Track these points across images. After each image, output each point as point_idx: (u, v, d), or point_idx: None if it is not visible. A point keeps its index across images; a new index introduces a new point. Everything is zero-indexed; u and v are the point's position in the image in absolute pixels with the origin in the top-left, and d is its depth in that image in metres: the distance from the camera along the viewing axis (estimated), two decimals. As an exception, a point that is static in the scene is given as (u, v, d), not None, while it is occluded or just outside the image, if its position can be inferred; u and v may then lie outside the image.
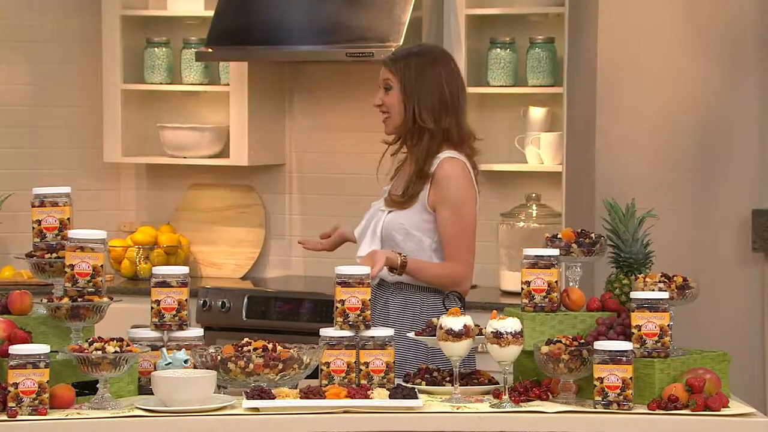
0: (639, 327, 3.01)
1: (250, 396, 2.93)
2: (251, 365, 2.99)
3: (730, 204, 4.18)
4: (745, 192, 4.16)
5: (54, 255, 3.11)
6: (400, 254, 3.43)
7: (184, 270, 3.16)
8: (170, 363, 3.04)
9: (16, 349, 2.86)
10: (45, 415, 2.85)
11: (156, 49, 5.09)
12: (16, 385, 2.83)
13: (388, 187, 3.62)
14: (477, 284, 4.74)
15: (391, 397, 2.95)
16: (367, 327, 3.10)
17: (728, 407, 2.96)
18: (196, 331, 3.17)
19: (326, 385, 3.05)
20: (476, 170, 3.57)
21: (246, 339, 3.09)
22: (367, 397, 2.94)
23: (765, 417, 2.95)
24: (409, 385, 3.10)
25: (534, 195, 4.72)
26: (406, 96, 3.49)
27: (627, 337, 3.03)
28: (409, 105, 3.49)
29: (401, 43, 4.49)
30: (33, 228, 3.14)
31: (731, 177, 4.18)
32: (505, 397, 2.97)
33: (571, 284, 3.20)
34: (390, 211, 3.52)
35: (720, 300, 4.04)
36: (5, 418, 2.83)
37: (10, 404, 2.84)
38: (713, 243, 4.18)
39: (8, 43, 5.08)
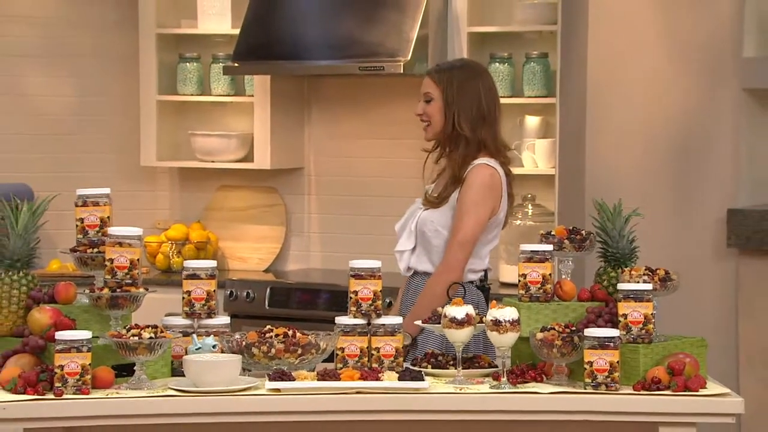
0: (625, 315, 3.00)
1: (272, 378, 2.92)
2: (273, 350, 2.99)
3: (707, 204, 4.17)
4: (721, 193, 4.15)
5: (95, 250, 3.11)
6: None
7: (212, 263, 3.16)
8: (200, 348, 3.04)
9: (61, 334, 2.87)
10: (88, 394, 2.85)
11: (188, 63, 5.09)
12: (61, 367, 2.84)
13: (430, 186, 3.61)
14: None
15: (400, 379, 2.94)
16: (378, 315, 3.10)
17: (705, 388, 2.96)
18: (223, 319, 3.16)
19: (341, 368, 3.04)
20: (510, 176, 3.54)
21: (268, 326, 3.09)
22: (378, 379, 2.94)
23: (738, 397, 2.95)
24: (416, 368, 3.09)
25: (530, 195, 4.71)
26: (447, 106, 3.48)
27: (614, 324, 3.02)
28: (450, 114, 3.48)
29: (409, 58, 4.48)
30: (77, 225, 3.14)
31: (708, 179, 4.17)
32: (504, 379, 2.97)
33: (563, 277, 3.19)
34: (425, 209, 3.52)
35: (698, 291, 4.03)
36: (52, 396, 2.84)
37: (57, 384, 2.84)
38: (692, 239, 4.17)
39: (54, 59, 5.09)
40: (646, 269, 3.12)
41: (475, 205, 3.45)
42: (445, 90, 3.48)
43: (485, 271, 3.57)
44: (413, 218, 3.55)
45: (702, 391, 2.93)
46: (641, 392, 2.93)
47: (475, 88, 3.49)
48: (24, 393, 2.84)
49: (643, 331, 2.99)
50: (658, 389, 2.93)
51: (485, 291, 3.56)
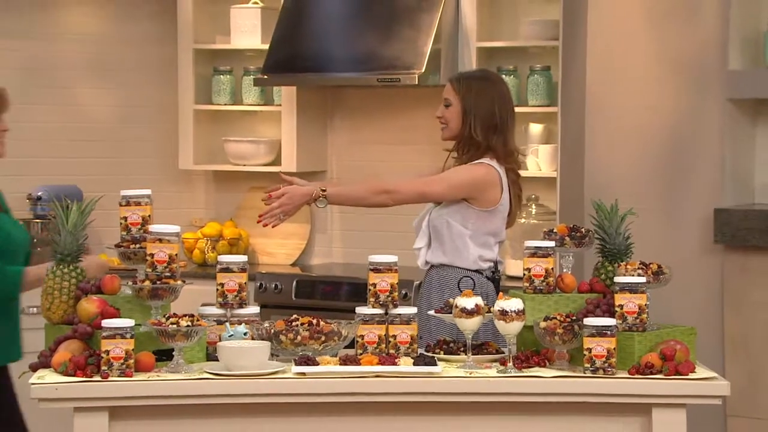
0: (621, 306, 2.97)
1: (298, 363, 2.91)
2: (299, 337, 2.98)
3: (695, 204, 4.14)
4: (708, 194, 4.12)
5: (138, 246, 3.10)
6: (322, 190, 3.40)
7: (243, 258, 3.15)
8: (232, 335, 3.03)
9: (107, 322, 2.86)
10: (131, 376, 2.84)
11: (221, 76, 5.08)
12: (107, 352, 2.83)
13: None
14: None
15: (415, 364, 2.92)
16: (395, 306, 3.08)
17: (695, 372, 2.94)
18: (253, 309, 3.15)
19: (361, 353, 3.03)
20: (516, 178, 3.50)
21: (295, 315, 3.08)
22: (395, 363, 2.92)
23: (724, 380, 2.93)
24: (429, 354, 3.08)
25: (533, 196, 4.68)
26: (464, 112, 3.46)
27: (611, 314, 3.00)
28: (467, 120, 3.46)
29: (423, 71, 4.47)
30: (120, 223, 3.13)
31: (696, 181, 4.14)
32: (510, 364, 2.95)
33: (564, 270, 3.17)
34: (436, 207, 3.51)
35: (688, 284, 4.00)
36: (99, 378, 2.83)
37: (103, 368, 2.83)
38: (682, 236, 4.14)
39: (100, 72, 5.09)
40: (640, 264, 3.09)
41: (450, 181, 3.42)
42: (463, 97, 3.47)
43: (496, 263, 3.54)
44: (426, 216, 3.53)
45: (691, 375, 2.91)
46: (636, 376, 2.90)
47: (490, 97, 3.47)
48: (74, 375, 2.84)
49: (638, 321, 2.97)
50: (651, 373, 2.90)
51: (495, 282, 3.53)
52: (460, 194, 3.43)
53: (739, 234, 4.00)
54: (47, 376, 2.86)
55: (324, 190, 3.40)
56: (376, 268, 3.09)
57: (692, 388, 2.89)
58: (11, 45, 4.94)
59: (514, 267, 4.58)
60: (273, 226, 3.43)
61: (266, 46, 4.81)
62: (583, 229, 3.20)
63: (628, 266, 3.08)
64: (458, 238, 3.45)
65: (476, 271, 3.46)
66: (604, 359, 2.89)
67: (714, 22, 4.09)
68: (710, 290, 4.11)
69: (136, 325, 2.92)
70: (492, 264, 3.52)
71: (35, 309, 4.49)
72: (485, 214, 3.45)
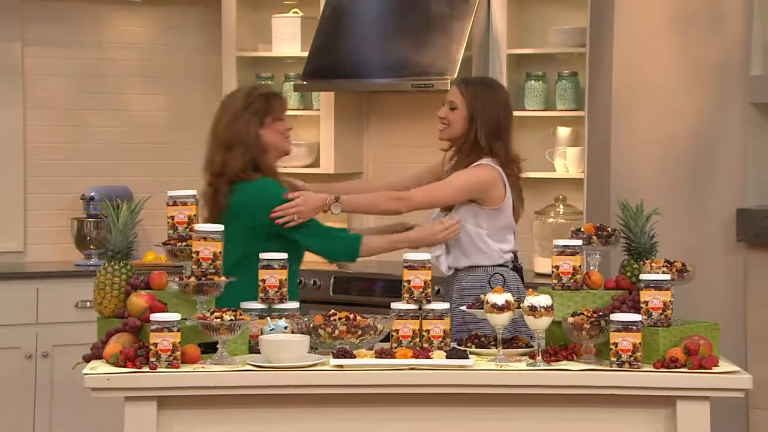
0: (646, 302, 2.95)
1: (336, 355, 2.91)
2: (337, 331, 2.98)
3: (718, 204, 4.10)
4: (731, 194, 4.09)
5: (184, 243, 3.11)
6: (335, 197, 3.39)
7: (284, 255, 3.15)
8: (273, 329, 3.03)
9: (155, 316, 2.87)
10: (178, 368, 2.85)
11: (263, 82, 5.10)
12: (155, 344, 2.84)
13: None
14: (515, 267, 4.70)
15: (447, 357, 2.91)
16: (428, 302, 3.07)
17: (718, 366, 2.90)
18: (293, 304, 3.15)
19: (396, 347, 3.02)
20: (516, 182, 3.49)
21: (333, 310, 3.07)
22: (428, 357, 2.91)
23: (747, 374, 2.89)
24: (461, 347, 3.06)
25: (561, 197, 4.65)
26: (471, 117, 3.45)
27: (637, 310, 2.97)
28: (473, 125, 3.45)
29: (455, 77, 4.45)
30: (168, 222, 3.15)
31: (719, 182, 4.11)
32: (539, 357, 2.93)
33: (591, 268, 3.15)
34: (444, 213, 3.50)
35: (711, 281, 3.97)
36: (148, 369, 2.85)
37: (152, 359, 2.85)
38: (705, 235, 4.10)
39: (148, 79, 5.12)
40: (665, 261, 3.06)
41: (457, 185, 3.40)
42: (470, 102, 3.45)
43: (514, 252, 3.52)
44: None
45: (715, 369, 2.88)
46: (661, 370, 2.87)
47: (495, 105, 3.46)
48: (124, 366, 2.86)
49: (663, 316, 2.94)
50: (676, 367, 2.87)
51: (518, 270, 3.52)
52: (467, 196, 3.43)
53: (761, 233, 3.97)
54: (99, 367, 2.88)
55: (338, 197, 3.39)
56: (411, 266, 3.09)
57: (715, 382, 2.85)
58: (67, 54, 4.99)
59: (542, 264, 4.56)
60: (285, 227, 3.40)
61: (305, 54, 4.82)
62: (609, 229, 3.17)
63: (653, 264, 3.05)
64: (477, 239, 3.44)
65: (501, 265, 3.45)
66: (630, 353, 2.86)
67: (737, 29, 4.05)
68: (733, 287, 4.06)
69: (182, 319, 2.93)
70: (512, 254, 3.50)
71: (88, 303, 4.54)
72: (494, 212, 3.44)
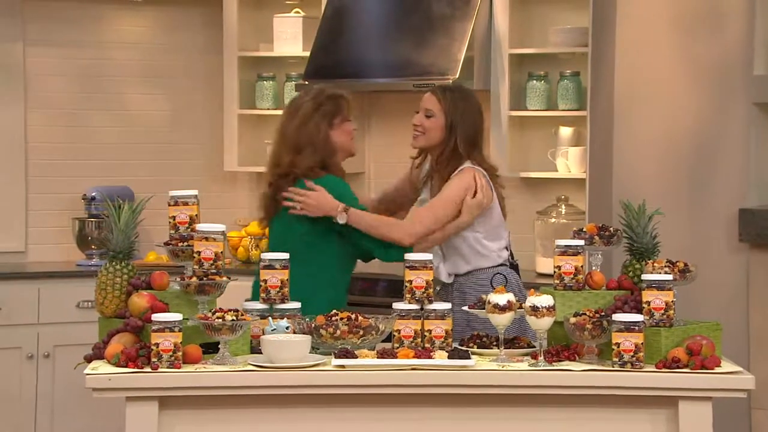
0: (648, 302, 2.95)
1: (338, 356, 2.91)
2: (338, 331, 2.98)
3: (720, 204, 4.10)
4: (733, 194, 4.09)
5: (185, 243, 3.12)
6: (345, 207, 3.38)
7: (285, 256, 3.15)
8: (275, 329, 3.03)
9: (157, 316, 2.88)
10: (179, 368, 2.86)
11: (265, 82, 5.10)
12: (157, 344, 2.85)
13: (424, 196, 3.58)
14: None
15: (449, 357, 2.92)
16: (430, 302, 3.07)
17: (720, 366, 2.90)
18: (295, 304, 3.15)
19: (398, 347, 3.02)
20: (498, 185, 3.50)
21: (334, 310, 3.07)
22: (430, 357, 2.91)
23: (749, 374, 2.90)
24: (463, 348, 3.07)
25: (563, 197, 4.66)
26: (449, 126, 3.45)
27: (639, 310, 2.97)
28: (452, 134, 3.44)
29: (457, 77, 4.45)
30: (169, 222, 3.15)
31: (722, 182, 4.10)
32: (541, 358, 2.93)
33: (593, 268, 3.15)
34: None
35: (713, 281, 3.97)
36: (149, 370, 2.85)
37: (153, 359, 2.85)
38: (708, 235, 4.10)
39: (150, 79, 5.13)
40: (667, 262, 3.06)
41: (452, 199, 3.41)
42: (448, 111, 3.44)
43: (509, 249, 3.54)
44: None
45: (717, 369, 2.88)
46: (663, 370, 2.88)
47: (472, 113, 3.46)
48: (126, 366, 2.86)
49: (665, 316, 2.94)
50: (678, 367, 2.87)
51: (516, 268, 3.54)
52: (455, 213, 3.43)
53: (763, 233, 3.97)
54: (101, 367, 2.88)
55: (347, 208, 3.39)
56: (412, 266, 3.09)
57: (718, 382, 2.85)
58: (68, 53, 4.99)
59: (544, 264, 4.56)
60: (289, 212, 3.41)
61: (307, 54, 4.82)
62: (611, 229, 3.17)
63: (656, 264, 3.06)
64: (476, 243, 3.45)
65: (500, 265, 3.46)
66: (632, 353, 2.86)
67: (739, 28, 4.06)
68: (735, 287, 4.06)
69: (184, 319, 2.93)
70: (508, 251, 3.51)
71: (90, 303, 4.54)
72: (487, 213, 3.45)
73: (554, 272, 3.08)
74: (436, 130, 3.46)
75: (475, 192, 3.42)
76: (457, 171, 3.45)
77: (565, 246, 3.07)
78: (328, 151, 3.45)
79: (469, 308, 3.16)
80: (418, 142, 3.51)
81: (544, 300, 2.92)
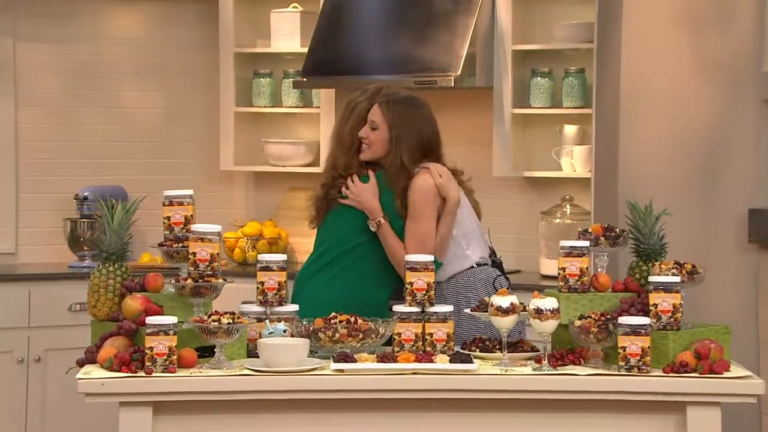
0: (656, 305, 2.95)
1: (337, 360, 2.91)
2: (337, 335, 2.98)
3: (729, 204, 4.10)
4: (742, 194, 4.09)
5: (180, 244, 3.12)
6: (381, 215, 3.39)
7: (283, 257, 3.16)
8: (272, 332, 3.03)
9: (151, 319, 2.88)
10: (174, 372, 2.86)
11: (262, 79, 5.10)
12: (151, 348, 2.85)
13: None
14: (521, 269, 4.71)
15: (451, 361, 2.92)
16: (431, 304, 3.07)
17: (729, 371, 2.90)
18: (292, 307, 3.16)
19: (398, 351, 3.02)
20: (462, 181, 3.49)
21: (333, 313, 3.07)
22: (431, 361, 2.91)
23: (759, 379, 2.90)
24: (465, 351, 3.07)
25: (568, 197, 4.66)
26: (392, 140, 3.43)
27: (646, 313, 2.97)
28: (395, 147, 3.43)
29: (459, 73, 4.45)
30: (164, 223, 3.15)
31: (731, 182, 4.11)
32: (545, 362, 2.93)
33: (599, 270, 3.15)
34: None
35: (722, 283, 3.97)
36: (143, 374, 2.85)
37: (147, 363, 2.85)
38: (716, 236, 4.10)
39: (144, 76, 5.13)
40: (674, 263, 3.06)
41: (423, 212, 3.39)
42: (390, 124, 3.43)
43: (490, 247, 3.54)
44: None
45: (726, 374, 2.88)
46: (670, 375, 2.88)
47: (417, 125, 3.44)
48: (119, 371, 2.86)
49: (672, 319, 2.94)
50: (686, 372, 2.87)
51: (497, 265, 3.53)
52: (436, 210, 3.41)
53: (774, 234, 3.97)
54: (93, 372, 2.88)
55: (385, 219, 3.39)
56: (413, 267, 3.09)
57: (727, 387, 2.85)
58: (60, 49, 4.99)
59: (549, 266, 4.56)
60: (339, 200, 3.43)
61: (305, 50, 4.82)
62: (617, 229, 3.17)
63: (663, 266, 3.06)
64: (453, 246, 3.44)
65: (482, 265, 3.45)
66: (638, 358, 2.87)
67: (749, 25, 4.06)
68: (745, 289, 4.06)
69: (178, 322, 2.93)
70: (489, 249, 3.52)
71: (81, 306, 4.54)
72: (456, 212, 3.42)
73: (559, 274, 3.08)
74: (380, 143, 3.45)
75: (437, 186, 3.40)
76: (416, 171, 3.42)
77: (570, 247, 3.08)
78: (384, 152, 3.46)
79: (471, 311, 3.15)
80: (366, 154, 3.50)
81: (548, 302, 2.92)
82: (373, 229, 3.42)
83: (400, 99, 3.52)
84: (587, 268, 3.07)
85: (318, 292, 3.34)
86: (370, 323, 3.01)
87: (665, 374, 2.88)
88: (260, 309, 3.13)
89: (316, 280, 3.38)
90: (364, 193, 3.42)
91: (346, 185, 3.45)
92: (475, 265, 3.47)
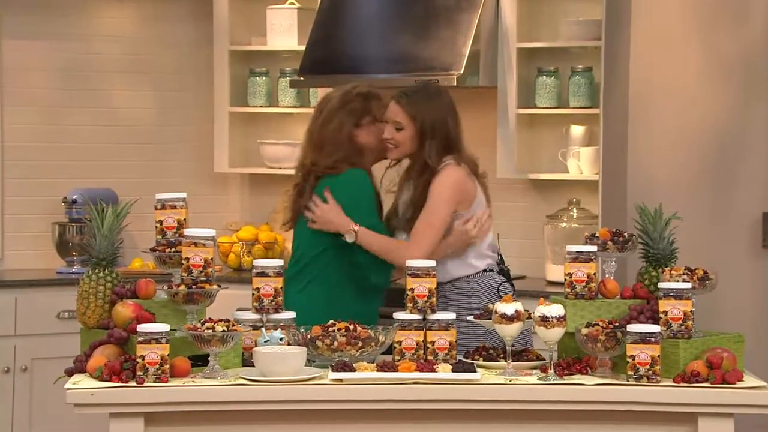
0: (666, 312, 2.95)
1: (335, 369, 2.92)
2: (336, 343, 2.99)
3: (743, 207, 4.11)
4: (756, 197, 4.09)
5: (173, 249, 3.13)
6: (353, 225, 3.39)
7: (279, 262, 3.16)
8: (268, 340, 3.04)
9: (142, 327, 2.89)
10: (166, 382, 2.86)
11: (257, 78, 5.11)
12: (143, 357, 2.85)
13: (405, 197, 3.56)
14: (526, 275, 4.71)
15: (453, 370, 2.92)
16: (433, 311, 3.08)
17: (742, 381, 2.91)
18: (289, 314, 3.16)
19: (399, 360, 3.03)
20: (482, 179, 3.51)
21: (331, 321, 3.08)
22: (433, 370, 2.92)
23: (774, 390, 2.90)
24: (468, 360, 3.07)
25: (575, 200, 4.66)
26: (420, 136, 3.43)
27: (655, 321, 2.98)
28: (423, 144, 3.43)
29: (462, 72, 4.46)
30: (156, 227, 3.16)
31: (744, 184, 4.11)
32: (551, 371, 2.94)
33: (607, 276, 3.15)
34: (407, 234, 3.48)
35: (735, 289, 3.97)
36: (134, 384, 2.85)
37: (139, 373, 2.86)
38: (729, 241, 4.11)
39: (136, 75, 5.14)
40: (685, 269, 3.07)
41: (443, 202, 3.40)
42: (415, 119, 3.43)
43: (499, 254, 3.55)
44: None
45: (739, 384, 2.88)
46: (681, 384, 2.88)
47: (442, 117, 3.44)
48: (109, 380, 2.87)
49: (683, 327, 2.95)
50: (698, 382, 2.88)
51: (505, 274, 3.55)
52: (455, 206, 3.43)
53: (788, 238, 3.98)
54: (82, 381, 2.89)
55: (357, 227, 3.40)
56: (414, 273, 3.10)
57: (740, 397, 2.86)
58: (48, 47, 5.00)
59: (555, 272, 4.57)
60: (308, 225, 3.43)
61: (303, 47, 4.83)
62: (626, 234, 3.18)
63: (673, 272, 3.06)
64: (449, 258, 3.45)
65: (488, 270, 3.46)
66: (648, 367, 2.87)
67: (761, 23, 4.07)
68: (758, 296, 4.07)
69: (171, 330, 2.94)
70: (497, 255, 3.53)
71: (70, 313, 4.55)
72: (469, 213, 3.44)
73: (565, 280, 3.09)
74: (409, 141, 3.46)
75: (468, 221, 3.43)
76: (441, 170, 3.43)
77: (577, 252, 3.08)
78: (352, 151, 3.47)
79: (474, 318, 3.16)
80: (392, 154, 3.52)
81: (554, 309, 2.92)
82: (351, 241, 3.41)
83: (418, 90, 3.53)
84: (595, 273, 3.08)
85: (294, 301, 3.31)
86: (369, 331, 3.01)
87: (676, 384, 2.89)
88: (256, 316, 3.13)
89: (290, 288, 3.35)
90: (327, 213, 3.42)
91: (310, 209, 3.44)
92: (481, 272, 3.48)
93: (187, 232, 3.09)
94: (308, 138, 3.55)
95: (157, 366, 2.85)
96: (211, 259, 3.07)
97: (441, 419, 2.90)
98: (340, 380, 2.89)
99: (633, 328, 2.90)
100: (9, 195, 4.98)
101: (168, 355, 2.87)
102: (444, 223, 3.43)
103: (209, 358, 2.94)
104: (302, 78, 4.78)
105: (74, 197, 4.90)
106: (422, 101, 3.46)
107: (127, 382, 2.86)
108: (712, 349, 2.95)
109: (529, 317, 3.02)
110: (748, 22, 4.09)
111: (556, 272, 4.55)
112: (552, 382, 2.90)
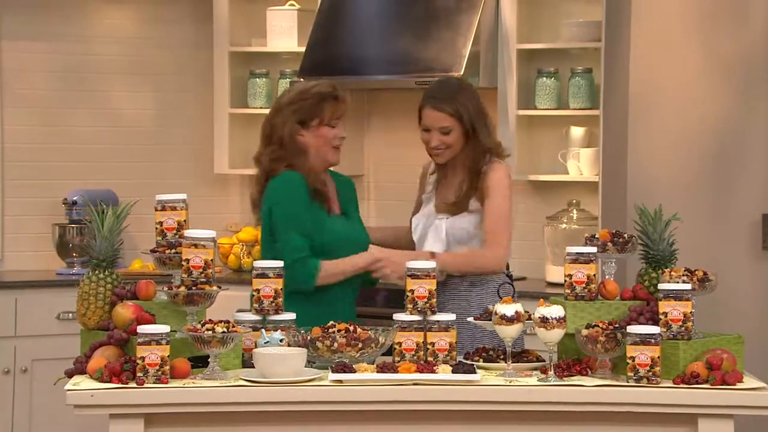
0: (665, 314, 2.96)
1: (335, 370, 2.92)
2: (336, 344, 2.99)
3: (743, 209, 4.11)
4: (756, 198, 4.09)
5: (173, 251, 3.13)
6: (432, 254, 3.40)
7: (279, 264, 3.16)
8: (268, 342, 3.04)
9: (142, 328, 2.89)
10: (166, 383, 2.87)
11: (257, 79, 5.12)
12: (143, 358, 2.86)
13: (428, 195, 3.58)
14: (526, 276, 4.71)
15: (453, 372, 2.93)
16: (433, 312, 3.08)
17: (742, 382, 2.91)
18: (289, 315, 3.16)
19: (399, 361, 3.03)
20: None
21: (331, 322, 3.08)
22: (433, 371, 2.92)
23: (774, 391, 2.90)
24: (468, 361, 3.08)
25: (575, 201, 4.67)
26: (470, 132, 3.45)
27: (655, 322, 2.98)
28: (474, 138, 3.46)
29: (462, 73, 4.47)
30: (156, 228, 3.16)
31: (744, 186, 4.11)
32: (551, 372, 2.94)
33: (607, 277, 3.16)
34: (447, 218, 3.49)
35: (735, 291, 3.97)
36: (134, 385, 2.86)
37: (138, 374, 2.86)
38: (729, 242, 4.11)
39: (136, 76, 5.14)
40: (685, 270, 3.07)
41: (503, 197, 3.44)
42: (461, 119, 3.44)
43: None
44: (437, 229, 3.50)
45: (739, 385, 2.89)
46: (681, 386, 2.88)
47: (479, 105, 3.48)
48: (109, 382, 2.87)
49: (683, 329, 2.95)
50: (697, 383, 2.88)
51: (509, 276, 3.56)
52: (512, 200, 3.48)
53: (789, 240, 3.98)
54: (83, 383, 2.89)
55: (433, 254, 3.40)
56: (414, 275, 3.10)
57: (740, 399, 2.86)
58: (48, 48, 5.00)
59: (554, 273, 4.57)
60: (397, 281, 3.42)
61: (303, 49, 4.84)
62: (625, 235, 3.18)
63: (673, 273, 3.07)
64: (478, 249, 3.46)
65: (506, 274, 3.48)
66: (648, 368, 2.87)
67: (761, 23, 4.07)
68: (758, 297, 4.07)
69: (171, 331, 2.94)
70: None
71: (71, 314, 4.55)
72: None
73: (565, 281, 3.09)
74: (459, 141, 3.47)
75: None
76: (490, 170, 3.44)
77: (577, 253, 3.09)
78: (293, 151, 3.39)
79: (474, 319, 3.16)
80: (444, 157, 3.50)
81: (554, 311, 2.93)
82: (440, 278, 3.29)
83: (444, 88, 3.50)
84: (594, 275, 3.08)
85: None
86: (369, 332, 3.01)
87: (675, 385, 2.89)
88: (256, 317, 3.14)
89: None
90: (393, 264, 3.36)
91: (382, 266, 3.36)
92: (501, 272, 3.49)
93: (187, 233, 3.09)
94: (261, 129, 3.48)
95: (157, 367, 2.85)
96: (211, 260, 3.07)
97: (441, 420, 2.90)
98: (340, 381, 2.89)
99: (633, 329, 2.91)
100: (9, 196, 4.98)
101: (168, 356, 2.87)
102: (510, 215, 3.46)
103: (209, 360, 2.94)
104: (302, 79, 4.78)
105: (74, 198, 4.90)
106: (456, 96, 3.46)
107: (127, 383, 2.86)
108: (712, 350, 2.95)
109: (529, 318, 3.02)
110: (748, 22, 4.09)
111: (556, 273, 4.55)
112: (552, 383, 2.91)
